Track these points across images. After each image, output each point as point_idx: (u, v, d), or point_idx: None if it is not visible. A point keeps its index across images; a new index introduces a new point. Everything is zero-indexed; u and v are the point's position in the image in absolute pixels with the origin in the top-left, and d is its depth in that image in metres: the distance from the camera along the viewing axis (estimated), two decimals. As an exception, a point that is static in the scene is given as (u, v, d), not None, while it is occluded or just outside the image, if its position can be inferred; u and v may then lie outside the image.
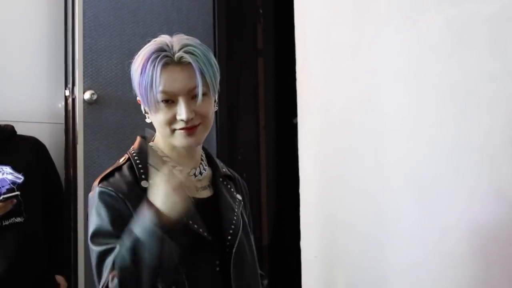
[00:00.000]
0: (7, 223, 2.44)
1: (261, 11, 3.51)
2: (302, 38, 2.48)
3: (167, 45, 1.38)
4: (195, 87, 1.37)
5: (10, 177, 2.36)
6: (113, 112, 2.83)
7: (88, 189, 2.72)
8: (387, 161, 1.97)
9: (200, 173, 1.51)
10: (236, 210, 1.53)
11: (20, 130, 2.62)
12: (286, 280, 3.04)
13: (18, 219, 2.47)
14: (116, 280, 1.24)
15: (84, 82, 2.81)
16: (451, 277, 1.68)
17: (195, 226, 1.38)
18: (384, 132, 1.98)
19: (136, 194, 1.36)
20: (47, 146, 2.78)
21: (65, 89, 2.91)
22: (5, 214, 2.42)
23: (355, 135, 2.14)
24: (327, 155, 2.30)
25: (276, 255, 3.54)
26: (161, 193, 1.24)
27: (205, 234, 1.39)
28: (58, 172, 2.79)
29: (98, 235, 1.34)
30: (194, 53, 1.37)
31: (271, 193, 3.62)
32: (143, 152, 1.44)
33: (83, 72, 2.82)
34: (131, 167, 1.42)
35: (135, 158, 1.44)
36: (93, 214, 1.36)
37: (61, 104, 3.04)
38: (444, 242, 1.71)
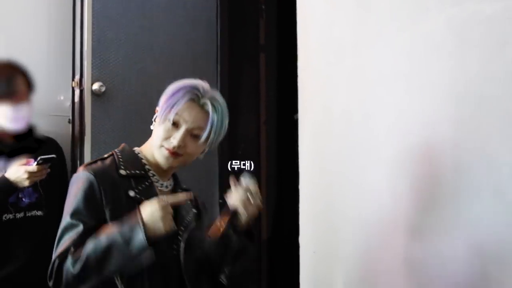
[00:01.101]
0: (29, 214, 2.45)
1: (263, 6, 3.51)
2: (304, 34, 2.48)
3: (202, 88, 1.66)
4: (200, 129, 1.64)
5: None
6: (119, 104, 2.82)
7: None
8: (386, 158, 1.98)
9: (167, 187, 1.75)
10: (190, 213, 1.78)
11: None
12: (285, 275, 3.05)
13: (39, 213, 2.48)
14: (79, 265, 1.47)
15: (92, 74, 2.81)
16: (450, 275, 1.69)
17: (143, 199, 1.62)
18: (384, 130, 1.99)
19: (112, 181, 1.61)
20: (55, 138, 2.79)
21: (72, 80, 2.90)
22: (28, 205, 2.44)
23: (356, 132, 2.15)
24: (327, 151, 2.31)
25: (275, 250, 3.54)
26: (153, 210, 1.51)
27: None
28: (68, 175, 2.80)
29: (73, 214, 1.56)
30: (216, 109, 1.66)
31: (270, 189, 3.62)
32: (125, 151, 1.73)
33: (91, 64, 2.82)
34: (113, 160, 1.68)
35: (118, 154, 1.71)
36: (72, 194, 1.60)
37: (65, 96, 3.04)
38: (442, 239, 1.72)
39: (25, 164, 2.29)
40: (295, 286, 2.47)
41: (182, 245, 1.68)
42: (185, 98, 1.63)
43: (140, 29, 2.99)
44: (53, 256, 1.54)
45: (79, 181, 1.60)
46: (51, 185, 2.43)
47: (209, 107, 1.65)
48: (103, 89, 2.82)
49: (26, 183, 2.27)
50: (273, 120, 3.63)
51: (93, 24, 2.84)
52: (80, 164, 2.76)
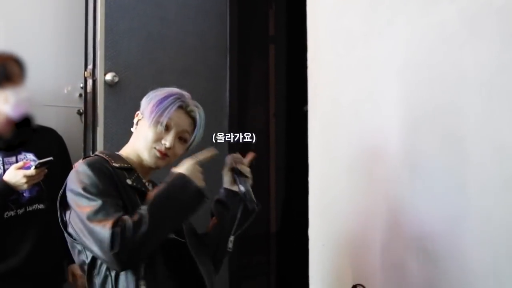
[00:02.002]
0: (30, 209, 2.47)
1: (273, -3, 3.51)
2: (314, 25, 2.47)
3: (187, 97, 1.82)
4: (187, 133, 1.80)
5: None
6: (132, 95, 2.81)
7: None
8: (395, 150, 1.97)
9: (149, 186, 1.83)
10: None
11: (35, 114, 2.63)
12: (294, 268, 3.05)
13: (41, 206, 2.50)
14: (144, 225, 1.50)
15: (105, 64, 2.80)
16: (461, 266, 1.68)
17: (142, 188, 1.73)
18: (393, 122, 1.98)
19: (111, 171, 1.67)
20: (62, 129, 2.79)
21: (85, 70, 2.90)
22: (29, 199, 2.45)
23: (365, 123, 2.14)
24: (337, 143, 2.30)
25: (284, 243, 3.55)
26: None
27: None
28: (71, 163, 2.80)
29: (89, 191, 1.59)
30: (200, 116, 1.83)
31: (280, 181, 3.62)
32: (108, 152, 1.79)
33: (104, 54, 2.81)
34: (101, 157, 1.74)
35: (103, 154, 1.77)
36: (78, 179, 1.63)
37: (73, 87, 3.04)
38: (453, 232, 1.71)
39: (22, 168, 2.31)
40: (304, 278, 2.47)
41: (184, 227, 1.78)
42: (176, 104, 1.77)
43: (152, 19, 2.98)
44: (107, 230, 1.49)
45: (85, 170, 1.64)
46: (52, 177, 2.44)
47: (196, 114, 1.82)
48: (116, 79, 2.81)
49: (25, 187, 2.31)
50: (283, 112, 3.62)
51: (106, 14, 2.83)
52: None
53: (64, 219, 1.69)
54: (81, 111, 2.96)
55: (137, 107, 2.87)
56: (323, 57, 2.39)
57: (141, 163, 1.79)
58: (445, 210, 1.75)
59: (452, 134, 1.71)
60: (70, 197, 1.64)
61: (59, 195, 1.71)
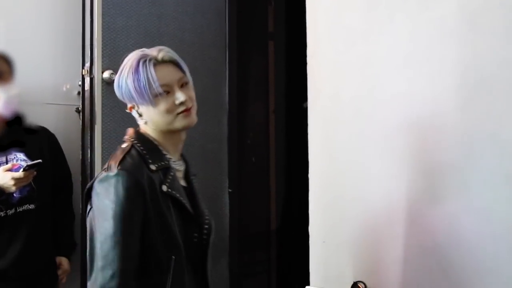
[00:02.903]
0: (21, 209, 2.45)
1: (272, -6, 3.50)
2: (314, 22, 2.46)
3: (147, 53, 1.66)
4: (183, 76, 1.68)
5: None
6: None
7: (106, 170, 2.72)
8: (396, 147, 1.96)
9: (180, 166, 1.75)
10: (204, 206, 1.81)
11: (33, 111, 2.62)
12: (294, 265, 3.04)
13: (31, 206, 2.48)
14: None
15: (102, 62, 2.79)
16: (462, 263, 1.68)
17: (185, 203, 1.67)
18: (394, 118, 1.97)
19: (148, 178, 1.57)
20: (61, 127, 2.78)
21: (82, 68, 2.89)
22: (19, 200, 2.44)
23: (365, 120, 2.13)
24: (337, 140, 2.29)
25: (285, 239, 3.54)
26: None
27: (191, 211, 1.69)
28: (66, 160, 2.79)
29: (121, 222, 1.50)
30: (171, 53, 1.69)
31: (280, 178, 3.61)
32: (141, 140, 1.68)
33: (102, 52, 2.80)
34: (137, 153, 1.63)
35: (139, 146, 1.65)
36: (113, 198, 1.52)
37: (72, 85, 3.03)
38: (454, 228, 1.70)
39: (11, 170, 2.29)
40: (305, 276, 2.46)
41: (208, 228, 1.74)
42: (150, 67, 1.62)
43: (150, 16, 2.97)
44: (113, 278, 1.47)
45: (118, 184, 1.54)
46: (43, 176, 2.42)
47: (168, 56, 1.67)
48: (114, 77, 2.80)
49: (13, 189, 2.30)
50: (282, 108, 3.61)
51: (103, 11, 2.82)
52: (91, 153, 2.75)
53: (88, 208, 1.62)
54: (79, 109, 2.95)
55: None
56: (323, 53, 2.38)
57: (171, 138, 1.70)
58: (446, 207, 1.74)
59: (454, 130, 1.71)
60: (99, 206, 1.56)
61: (86, 190, 1.64)
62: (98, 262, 1.49)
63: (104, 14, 2.82)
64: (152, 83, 1.61)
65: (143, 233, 1.54)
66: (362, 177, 2.15)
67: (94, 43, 2.82)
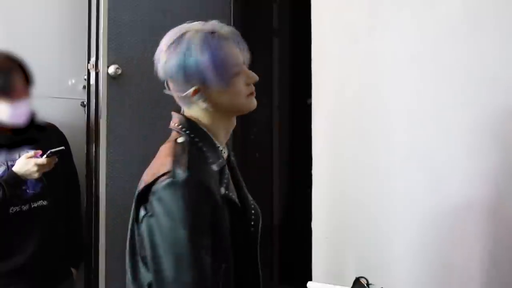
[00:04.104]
0: (35, 205, 2.46)
1: (277, -10, 3.50)
2: (318, 18, 2.46)
3: (209, 28, 1.48)
4: (246, 56, 1.51)
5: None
6: (134, 88, 2.81)
7: (110, 164, 2.71)
8: (400, 142, 1.96)
9: (225, 153, 1.55)
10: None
11: (38, 105, 2.62)
12: (297, 260, 3.05)
13: (45, 202, 2.49)
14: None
15: (108, 56, 2.79)
16: (463, 257, 1.68)
17: (238, 203, 1.48)
18: (398, 114, 1.98)
19: (212, 180, 1.41)
20: (66, 121, 2.79)
21: (88, 63, 2.89)
22: (33, 196, 2.45)
23: (369, 116, 2.13)
24: (341, 136, 2.30)
25: (287, 235, 3.55)
26: None
27: (238, 203, 1.49)
28: (73, 160, 2.80)
29: (194, 234, 1.34)
30: (230, 28, 1.50)
31: (283, 173, 3.62)
32: (195, 130, 1.48)
33: (107, 46, 2.80)
34: (195, 149, 1.45)
35: (195, 139, 1.47)
36: (183, 205, 1.34)
37: (77, 79, 3.03)
38: (456, 223, 1.71)
39: (33, 157, 2.30)
40: (307, 271, 2.46)
41: (259, 232, 1.56)
42: (224, 44, 1.45)
43: (156, 11, 2.97)
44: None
45: (192, 192, 1.36)
46: (54, 173, 2.43)
47: (233, 31, 1.50)
48: (119, 71, 2.80)
49: (36, 176, 2.30)
50: (286, 104, 3.62)
51: (109, 6, 2.82)
52: (96, 148, 2.76)
53: (140, 214, 1.42)
54: (84, 103, 2.95)
55: (141, 99, 2.84)
56: (327, 50, 2.39)
57: (227, 124, 1.53)
58: (447, 202, 1.75)
59: (458, 127, 1.71)
60: (161, 216, 1.36)
61: (139, 191, 1.41)
62: (167, 273, 1.33)
63: (110, 9, 2.82)
64: (231, 62, 1.44)
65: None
66: (365, 173, 2.16)
67: (99, 37, 2.82)
